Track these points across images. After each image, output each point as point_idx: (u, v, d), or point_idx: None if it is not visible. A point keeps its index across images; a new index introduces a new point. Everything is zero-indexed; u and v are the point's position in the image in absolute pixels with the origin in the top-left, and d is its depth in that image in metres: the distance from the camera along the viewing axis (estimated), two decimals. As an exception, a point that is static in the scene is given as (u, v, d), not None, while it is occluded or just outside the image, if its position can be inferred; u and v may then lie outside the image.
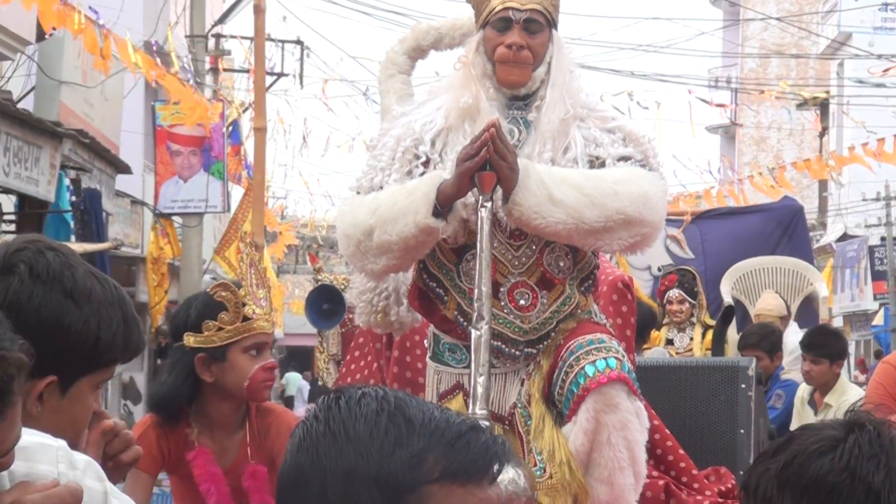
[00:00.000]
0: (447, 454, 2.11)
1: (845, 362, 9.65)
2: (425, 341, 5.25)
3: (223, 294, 4.98)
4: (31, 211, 16.22)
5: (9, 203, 16.30)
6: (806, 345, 9.37)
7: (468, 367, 4.71)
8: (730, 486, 5.69)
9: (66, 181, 16.79)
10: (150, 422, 5.15)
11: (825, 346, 9.32)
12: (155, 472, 5.13)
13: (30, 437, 2.37)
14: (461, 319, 4.87)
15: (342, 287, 8.01)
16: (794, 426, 9.27)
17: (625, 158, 4.86)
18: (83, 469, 2.43)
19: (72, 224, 16.48)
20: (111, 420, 2.83)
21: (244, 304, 4.99)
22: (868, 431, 2.48)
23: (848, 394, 9.24)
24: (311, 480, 2.13)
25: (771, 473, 2.49)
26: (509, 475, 2.24)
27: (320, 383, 7.65)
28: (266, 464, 5.08)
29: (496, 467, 2.15)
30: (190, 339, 5.01)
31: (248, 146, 25.49)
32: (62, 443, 2.43)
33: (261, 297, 5.02)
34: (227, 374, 4.99)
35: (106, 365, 2.75)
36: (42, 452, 2.39)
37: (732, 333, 10.68)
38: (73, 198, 16.88)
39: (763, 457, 2.56)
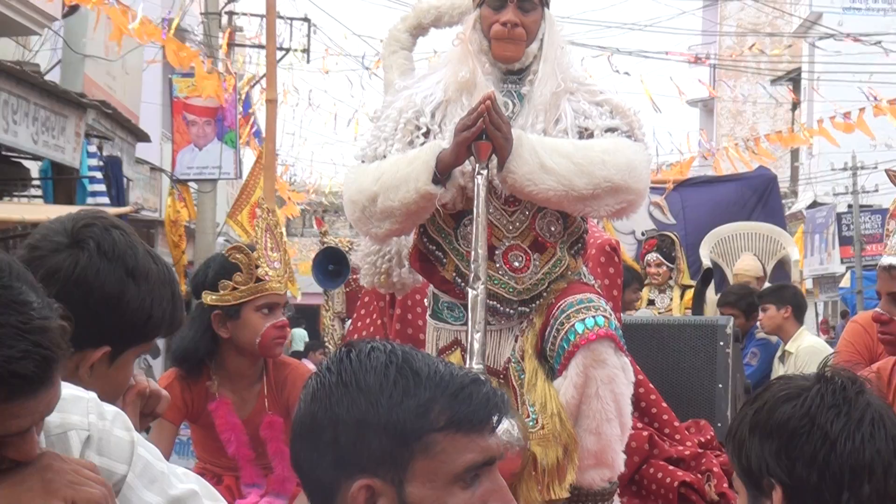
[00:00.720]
0: (451, 405, 2.12)
1: (804, 320, 9.69)
2: (425, 300, 5.23)
3: (238, 256, 4.97)
4: (60, 177, 16.16)
5: (34, 169, 16.27)
6: (757, 298, 9.58)
7: (465, 324, 4.70)
8: (709, 437, 5.69)
9: (91, 148, 16.75)
10: (174, 375, 5.14)
11: (769, 294, 9.51)
12: (178, 421, 5.12)
13: (63, 390, 2.34)
14: (459, 280, 4.84)
15: (347, 249, 7.94)
16: (773, 381, 9.31)
17: (612, 130, 4.82)
18: (112, 419, 2.40)
19: (88, 188, 16.38)
20: (146, 381, 2.84)
21: (257, 266, 4.98)
22: (834, 383, 2.48)
23: (805, 340, 9.30)
24: (324, 428, 2.15)
25: (746, 419, 2.51)
26: (504, 426, 2.22)
27: (326, 339, 7.60)
28: (282, 414, 5.07)
29: (496, 418, 2.17)
30: (207, 298, 5.03)
31: (259, 116, 25.44)
32: (93, 395, 2.41)
33: (274, 259, 5.01)
34: (241, 330, 5.00)
35: (151, 338, 2.76)
36: (74, 404, 2.37)
37: (711, 294, 10.66)
38: (100, 162, 16.84)
39: (745, 405, 2.58)
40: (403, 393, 2.12)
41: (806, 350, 9.12)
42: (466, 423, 2.13)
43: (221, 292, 5.00)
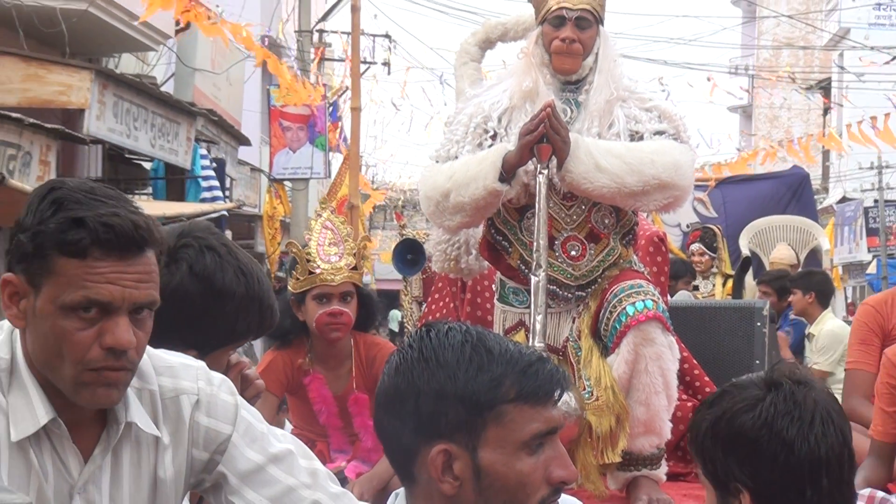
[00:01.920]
0: (520, 379, 2.11)
1: (831, 305, 9.60)
2: (493, 286, 5.14)
3: (294, 251, 4.91)
4: (173, 177, 16.20)
5: (145, 169, 16.38)
6: (789, 282, 9.53)
7: (529, 307, 4.62)
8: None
9: (201, 150, 16.80)
10: (276, 352, 5.06)
11: (798, 279, 9.43)
12: (280, 393, 5.04)
13: (174, 358, 2.34)
14: (523, 267, 4.76)
15: (423, 240, 7.89)
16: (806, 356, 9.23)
17: (660, 133, 4.71)
18: (218, 385, 2.38)
19: (202, 185, 16.45)
20: (246, 362, 2.81)
21: (308, 261, 4.90)
22: (784, 390, 2.43)
23: (827, 324, 9.18)
24: (406, 398, 2.14)
25: (706, 425, 2.47)
26: (564, 398, 2.20)
27: (405, 320, 7.54)
28: (370, 391, 4.94)
29: (558, 392, 2.17)
30: (290, 285, 4.98)
31: (345, 123, 25.45)
32: (201, 363, 2.39)
33: (332, 253, 4.89)
34: (305, 315, 4.93)
35: (239, 344, 2.76)
36: (185, 371, 2.35)
37: (750, 280, 10.56)
38: (213, 164, 16.85)
39: (703, 406, 2.55)
40: (478, 368, 2.11)
41: (826, 334, 9.02)
42: (533, 396, 2.12)
43: (293, 281, 4.95)
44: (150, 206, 12.41)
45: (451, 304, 5.64)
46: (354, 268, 4.95)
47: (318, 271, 4.86)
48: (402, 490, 2.27)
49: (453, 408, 2.11)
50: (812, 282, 9.37)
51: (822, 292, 9.33)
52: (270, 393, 4.80)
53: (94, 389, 2.13)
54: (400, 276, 7.31)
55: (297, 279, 4.89)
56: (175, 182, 16.30)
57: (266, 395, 4.64)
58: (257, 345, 17.15)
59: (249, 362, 2.87)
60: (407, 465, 2.19)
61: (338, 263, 4.88)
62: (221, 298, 2.63)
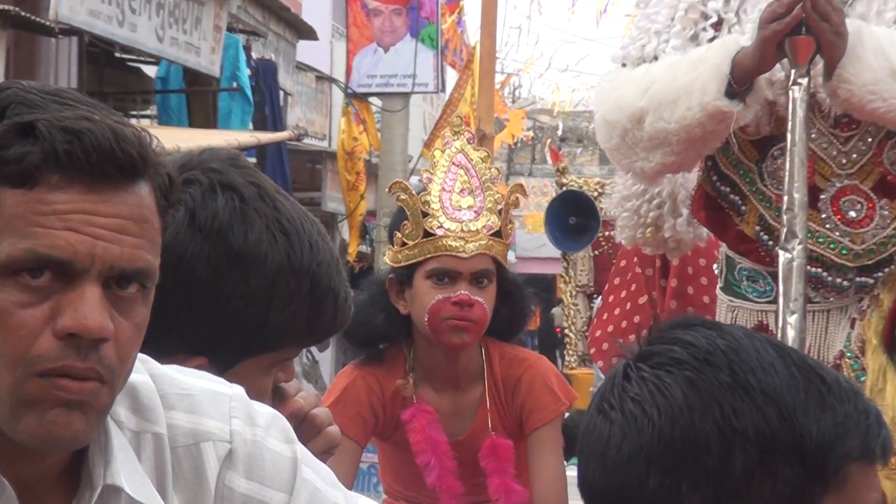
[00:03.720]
0: (866, 426, 1.73)
1: None
2: (714, 266, 4.21)
3: (402, 198, 3.74)
4: (193, 89, 12.54)
5: (148, 77, 12.81)
6: None
7: (774, 301, 3.70)
8: None
9: (241, 43, 12.57)
10: (355, 372, 3.86)
11: None
12: (365, 437, 3.85)
13: (195, 381, 1.85)
14: (764, 237, 3.81)
15: (595, 194, 6.46)
16: None
17: None
18: (266, 426, 1.87)
19: (231, 105, 12.79)
20: (301, 397, 2.23)
21: (424, 215, 3.71)
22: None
23: None
24: (697, 446, 1.64)
25: None
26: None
27: (565, 323, 6.21)
28: (513, 433, 3.79)
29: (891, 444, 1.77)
30: (387, 255, 3.86)
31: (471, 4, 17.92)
32: (238, 390, 1.87)
33: (463, 206, 3.73)
34: (412, 305, 3.75)
35: (280, 348, 2.19)
36: (212, 403, 1.86)
37: None
38: (248, 70, 12.58)
39: None
40: (819, 405, 1.66)
41: None
42: (877, 452, 1.70)
43: (393, 249, 3.77)
44: (159, 135, 9.69)
45: (643, 298, 4.93)
46: (498, 233, 3.75)
47: (439, 233, 3.70)
48: None
49: (787, 465, 1.64)
50: None
51: None
52: (349, 438, 3.64)
53: (42, 412, 1.67)
54: (556, 253, 6.14)
55: (404, 244, 3.71)
56: (198, 98, 12.04)
57: (343, 441, 3.24)
58: (326, 360, 14.50)
59: (317, 395, 2.31)
60: None
61: (473, 223, 3.73)
62: (242, 264, 2.13)
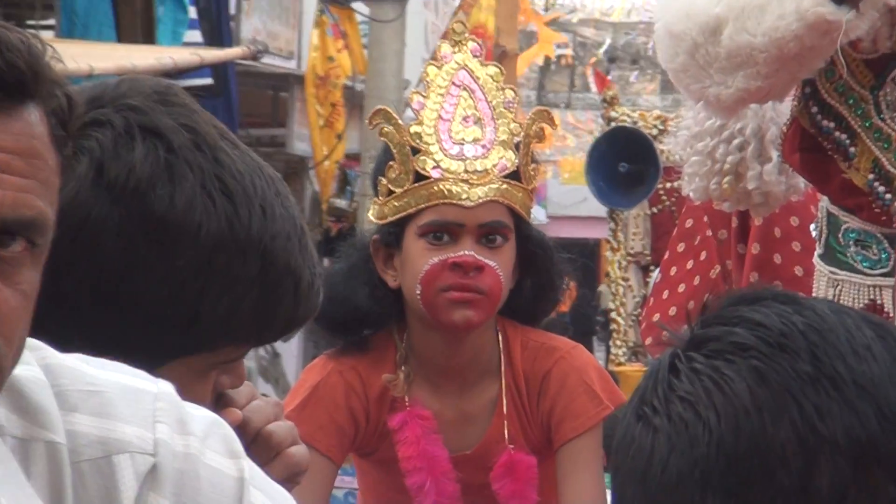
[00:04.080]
0: None
1: None
2: (811, 228, 3.75)
3: (386, 130, 3.16)
4: None
5: None
6: None
7: (892, 273, 3.37)
8: None
9: None
10: (332, 365, 3.26)
11: None
12: (340, 453, 3.25)
13: (107, 374, 1.65)
14: (880, 188, 3.37)
15: (654, 132, 5.72)
16: None
17: None
18: (203, 436, 1.67)
19: (162, 13, 10.47)
20: (250, 410, 1.90)
21: (415, 152, 3.12)
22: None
23: None
24: (768, 455, 1.51)
25: None
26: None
27: (613, 306, 5.35)
28: (537, 446, 3.24)
29: None
30: (371, 210, 3.26)
31: None
32: (166, 387, 1.67)
33: (469, 139, 3.18)
34: (402, 273, 3.14)
35: (218, 349, 1.87)
36: (130, 403, 1.67)
37: None
38: None
39: None
40: None
41: None
42: None
43: (377, 202, 3.18)
44: (63, 50, 7.77)
45: (713, 269, 4.52)
46: (515, 175, 3.14)
47: (435, 174, 3.14)
48: None
49: (891, 478, 1.48)
50: None
51: None
52: (319, 454, 3.12)
53: None
54: (602, 211, 5.33)
55: (390, 192, 3.15)
56: (124, 6, 9.54)
57: (313, 459, 2.63)
58: (290, 354, 12.79)
59: (277, 403, 1.96)
60: None
61: (480, 161, 3.18)
62: (168, 241, 1.81)
